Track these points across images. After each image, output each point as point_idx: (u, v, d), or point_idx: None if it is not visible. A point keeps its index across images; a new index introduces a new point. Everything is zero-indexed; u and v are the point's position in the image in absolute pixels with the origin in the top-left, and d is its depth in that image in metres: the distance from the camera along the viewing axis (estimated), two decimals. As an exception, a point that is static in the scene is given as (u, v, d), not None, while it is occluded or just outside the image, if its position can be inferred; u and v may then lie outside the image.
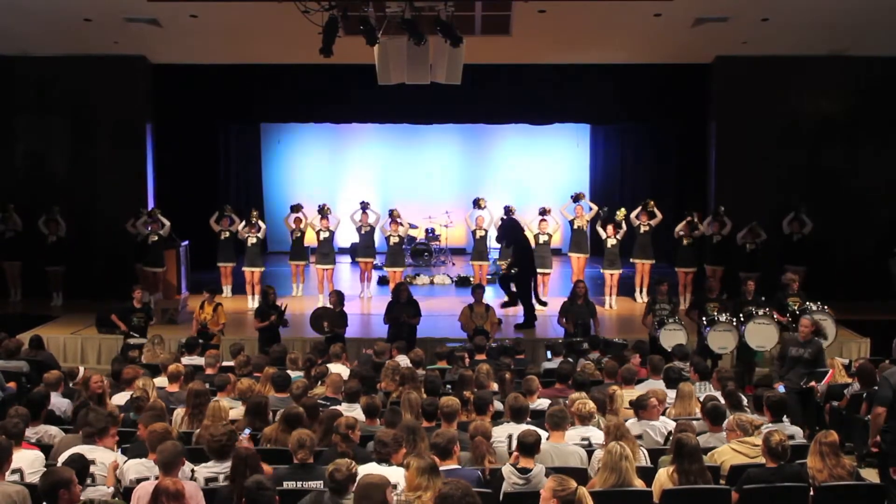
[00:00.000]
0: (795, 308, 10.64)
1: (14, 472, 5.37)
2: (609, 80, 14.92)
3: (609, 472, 5.30)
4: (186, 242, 14.81)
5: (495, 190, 18.70)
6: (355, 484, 4.63)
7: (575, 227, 14.09)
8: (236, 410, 7.10)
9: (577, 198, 14.21)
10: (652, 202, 14.03)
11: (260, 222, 14.12)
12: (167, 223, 13.80)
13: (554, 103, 15.51)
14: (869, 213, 14.53)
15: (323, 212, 14.08)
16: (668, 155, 17.44)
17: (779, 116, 14.59)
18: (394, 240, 14.14)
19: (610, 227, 13.82)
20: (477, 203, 14.58)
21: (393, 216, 14.44)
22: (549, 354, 9.88)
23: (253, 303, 13.60)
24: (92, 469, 5.55)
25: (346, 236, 14.67)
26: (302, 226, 14.21)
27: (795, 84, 14.55)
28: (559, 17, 12.11)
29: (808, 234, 13.63)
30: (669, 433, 6.58)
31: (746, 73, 14.43)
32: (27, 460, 5.56)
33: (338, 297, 11.21)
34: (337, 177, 19.20)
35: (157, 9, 11.91)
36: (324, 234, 14.00)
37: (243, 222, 14.09)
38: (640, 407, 6.79)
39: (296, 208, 14.30)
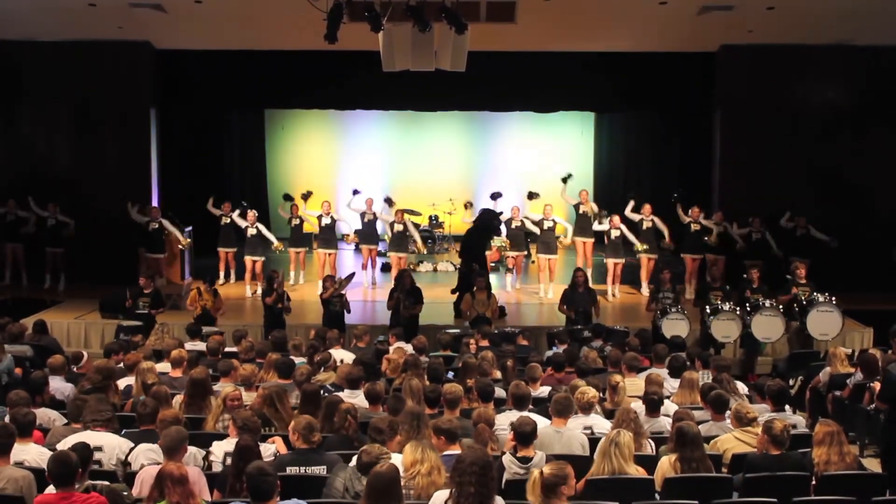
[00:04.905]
0: (804, 298, 10.65)
1: (17, 464, 5.35)
2: (614, 69, 14.81)
3: (605, 459, 5.35)
4: (190, 228, 14.82)
5: (499, 177, 18.70)
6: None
7: (580, 211, 14.00)
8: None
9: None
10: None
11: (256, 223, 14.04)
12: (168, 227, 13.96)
13: (558, 91, 15.39)
14: (874, 203, 14.49)
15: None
16: (672, 144, 17.36)
17: (784, 106, 14.52)
18: (398, 227, 14.06)
19: (616, 218, 13.71)
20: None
21: (391, 203, 14.45)
22: (554, 347, 9.86)
23: (251, 291, 13.69)
24: (98, 456, 5.56)
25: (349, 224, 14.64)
26: (300, 212, 14.22)
27: (801, 74, 14.47)
28: (564, 4, 12.06)
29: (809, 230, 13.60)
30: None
31: (752, 62, 14.34)
32: (31, 454, 5.52)
33: (332, 280, 11.42)
34: (341, 163, 19.16)
35: (161, -6, 11.91)
36: (325, 221, 13.99)
37: (237, 211, 14.12)
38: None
39: (287, 197, 14.46)
